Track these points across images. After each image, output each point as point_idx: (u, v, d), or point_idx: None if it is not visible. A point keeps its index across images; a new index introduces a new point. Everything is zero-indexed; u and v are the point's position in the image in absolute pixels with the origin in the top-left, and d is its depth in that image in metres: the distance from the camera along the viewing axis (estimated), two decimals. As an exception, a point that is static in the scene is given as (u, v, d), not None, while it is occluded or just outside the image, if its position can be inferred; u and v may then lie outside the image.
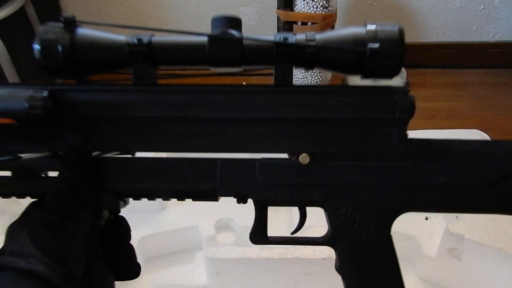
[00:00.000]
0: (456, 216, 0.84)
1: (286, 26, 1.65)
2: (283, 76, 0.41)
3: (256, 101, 0.41)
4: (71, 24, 0.39)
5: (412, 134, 0.43)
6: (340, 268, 0.44)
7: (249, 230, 0.54)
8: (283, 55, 0.39)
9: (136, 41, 0.39)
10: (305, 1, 1.58)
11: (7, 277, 0.35)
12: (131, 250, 0.45)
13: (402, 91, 0.41)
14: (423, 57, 1.94)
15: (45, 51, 0.39)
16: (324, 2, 1.58)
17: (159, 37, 0.40)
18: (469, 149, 0.42)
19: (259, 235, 0.45)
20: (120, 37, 0.40)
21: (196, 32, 0.39)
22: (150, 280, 0.77)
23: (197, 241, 0.86)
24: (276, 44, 0.39)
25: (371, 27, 0.39)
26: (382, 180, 0.42)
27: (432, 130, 0.93)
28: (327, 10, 1.60)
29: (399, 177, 0.42)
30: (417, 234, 0.85)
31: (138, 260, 0.45)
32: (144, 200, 0.48)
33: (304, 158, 0.42)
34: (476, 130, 0.93)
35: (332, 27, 1.67)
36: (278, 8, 1.64)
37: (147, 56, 0.40)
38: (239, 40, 0.39)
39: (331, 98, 0.41)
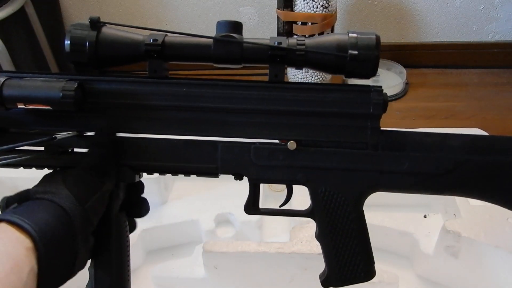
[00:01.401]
0: (454, 214, 0.85)
1: (286, 26, 1.65)
2: (276, 74, 0.47)
3: (253, 94, 0.47)
4: (96, 24, 0.45)
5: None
6: (319, 236, 0.52)
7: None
8: (277, 57, 0.46)
9: (152, 41, 0.45)
10: (305, 1, 1.58)
11: (36, 204, 0.41)
12: (145, 202, 0.53)
13: (377, 90, 0.47)
14: (423, 57, 1.94)
15: (74, 46, 0.45)
16: (324, 2, 1.59)
17: (171, 37, 0.46)
18: (431, 141, 0.48)
19: (252, 207, 0.52)
20: (138, 36, 0.46)
21: (203, 36, 0.46)
22: (150, 273, 0.78)
23: (197, 235, 0.87)
24: (271, 47, 0.45)
25: (353, 35, 0.45)
26: (356, 165, 0.49)
27: (432, 129, 0.93)
28: (327, 10, 1.60)
29: (371, 163, 0.49)
30: (415, 232, 0.85)
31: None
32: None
33: (291, 144, 0.48)
34: (477, 129, 0.93)
35: (332, 27, 1.67)
36: (278, 8, 1.64)
37: (160, 54, 0.46)
38: (240, 43, 0.45)
39: (315, 94, 0.47)
